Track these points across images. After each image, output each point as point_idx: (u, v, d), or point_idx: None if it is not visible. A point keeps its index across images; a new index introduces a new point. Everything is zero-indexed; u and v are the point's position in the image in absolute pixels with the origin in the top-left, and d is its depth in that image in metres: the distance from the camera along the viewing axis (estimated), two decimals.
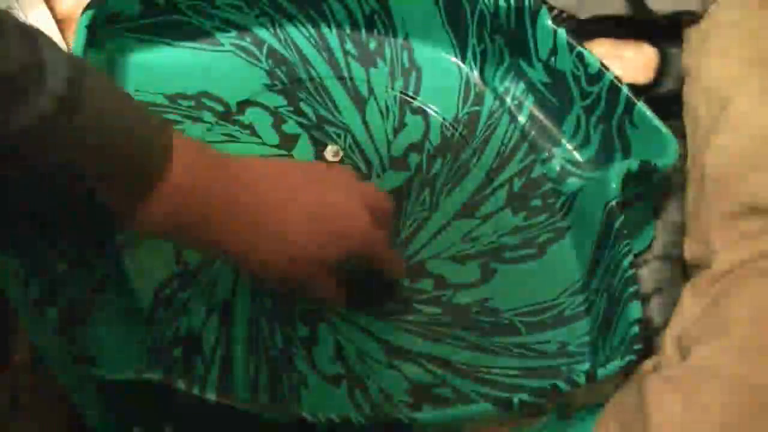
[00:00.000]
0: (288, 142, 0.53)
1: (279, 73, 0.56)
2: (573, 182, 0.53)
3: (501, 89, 0.57)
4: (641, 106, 0.50)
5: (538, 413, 0.44)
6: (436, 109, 0.56)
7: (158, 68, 0.54)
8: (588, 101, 0.53)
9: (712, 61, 0.52)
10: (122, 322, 0.44)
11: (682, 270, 0.50)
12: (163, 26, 0.54)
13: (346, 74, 0.57)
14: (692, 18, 0.55)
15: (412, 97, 0.56)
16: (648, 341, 0.46)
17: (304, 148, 0.53)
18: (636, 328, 0.43)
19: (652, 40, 0.57)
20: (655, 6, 0.55)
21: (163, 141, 0.36)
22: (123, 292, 0.45)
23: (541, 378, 0.46)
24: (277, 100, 0.55)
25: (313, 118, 0.54)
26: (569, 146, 0.55)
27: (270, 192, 0.40)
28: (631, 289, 0.44)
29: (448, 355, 0.47)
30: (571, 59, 0.52)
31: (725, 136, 0.48)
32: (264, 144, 0.53)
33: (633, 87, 0.51)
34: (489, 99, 0.57)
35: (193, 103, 0.53)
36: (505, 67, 0.56)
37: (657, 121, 0.50)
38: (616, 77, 0.51)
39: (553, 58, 0.53)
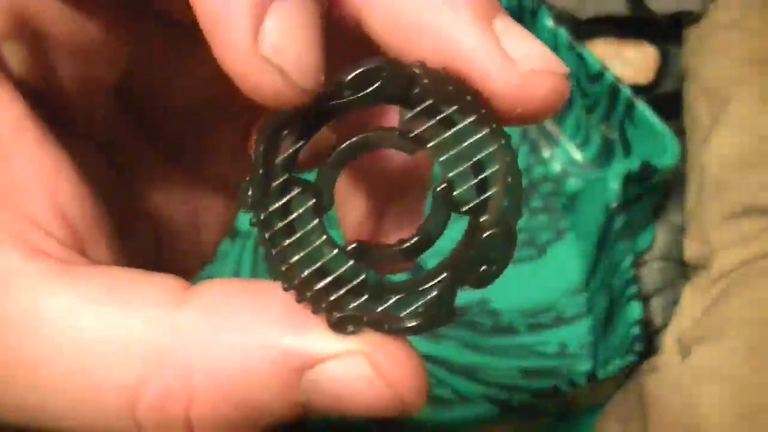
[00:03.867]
0: None
1: None
2: (573, 182, 0.53)
3: None
4: (641, 106, 0.50)
5: (539, 414, 0.44)
6: None
7: None
8: (588, 101, 0.53)
9: (712, 61, 0.52)
10: None
11: (682, 270, 0.50)
12: None
13: None
14: (692, 18, 0.55)
15: None
16: (648, 341, 0.46)
17: None
18: (636, 329, 0.43)
19: (652, 40, 0.57)
20: (655, 6, 0.55)
21: None
22: None
23: (541, 379, 0.46)
24: None
25: None
26: (569, 146, 0.55)
27: None
28: (631, 290, 0.44)
29: (448, 355, 0.47)
30: (571, 59, 0.52)
31: (725, 136, 0.48)
32: None
33: (633, 87, 0.51)
34: None
35: None
36: None
37: (657, 121, 0.50)
38: (616, 77, 0.51)
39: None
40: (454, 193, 0.18)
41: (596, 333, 0.47)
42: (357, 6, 0.19)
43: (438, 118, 0.18)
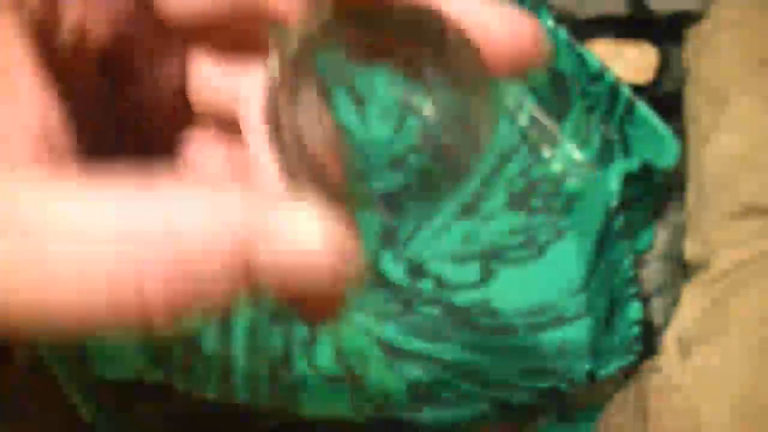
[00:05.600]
0: None
1: None
2: (573, 182, 0.53)
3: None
4: (641, 106, 0.50)
5: (538, 414, 0.44)
6: None
7: None
8: (588, 101, 0.53)
9: (713, 62, 0.52)
10: None
11: (683, 270, 0.50)
12: None
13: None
14: (692, 18, 0.55)
15: None
16: (648, 341, 0.46)
17: None
18: (636, 329, 0.43)
19: (652, 40, 0.57)
20: (655, 6, 0.55)
21: None
22: None
23: (541, 379, 0.46)
24: None
25: None
26: (569, 146, 0.55)
27: None
28: (632, 290, 0.44)
29: (448, 355, 0.47)
30: (571, 59, 0.52)
31: (725, 136, 0.48)
32: None
33: (633, 87, 0.52)
34: None
35: None
36: None
37: (657, 121, 0.50)
38: (616, 77, 0.51)
39: (553, 58, 0.53)
40: None
41: (596, 333, 0.47)
42: None
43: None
